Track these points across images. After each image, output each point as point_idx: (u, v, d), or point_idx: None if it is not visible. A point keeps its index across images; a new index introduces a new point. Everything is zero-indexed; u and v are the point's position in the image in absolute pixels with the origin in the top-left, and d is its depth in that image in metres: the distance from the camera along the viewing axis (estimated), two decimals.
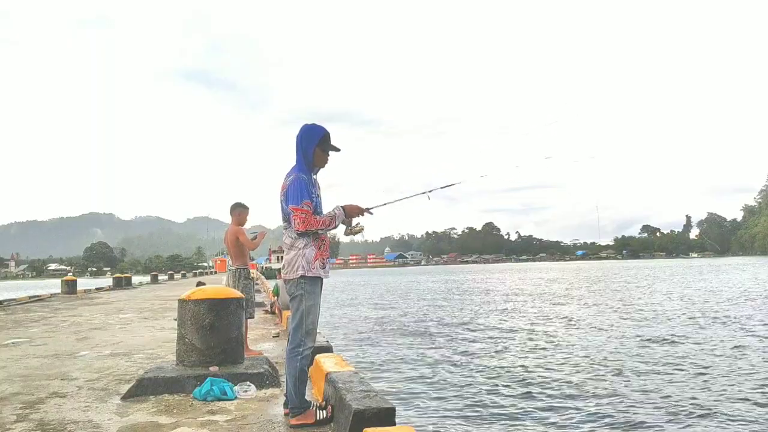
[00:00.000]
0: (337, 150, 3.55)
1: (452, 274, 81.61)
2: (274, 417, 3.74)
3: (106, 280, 40.73)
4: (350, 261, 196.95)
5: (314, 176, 3.56)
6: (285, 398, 3.65)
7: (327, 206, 3.64)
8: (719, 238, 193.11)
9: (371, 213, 3.59)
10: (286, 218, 3.47)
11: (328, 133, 3.50)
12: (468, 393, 8.68)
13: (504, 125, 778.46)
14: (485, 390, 8.83)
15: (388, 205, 3.89)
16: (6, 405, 4.22)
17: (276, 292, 10.70)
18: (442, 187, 4.22)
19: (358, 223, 3.61)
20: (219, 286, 5.60)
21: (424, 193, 4.05)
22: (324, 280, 3.58)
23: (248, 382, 4.42)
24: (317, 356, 4.63)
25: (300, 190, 3.37)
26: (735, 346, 12.14)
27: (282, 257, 3.78)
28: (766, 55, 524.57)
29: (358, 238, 3.68)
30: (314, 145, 3.46)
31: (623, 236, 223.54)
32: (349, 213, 3.51)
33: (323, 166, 3.58)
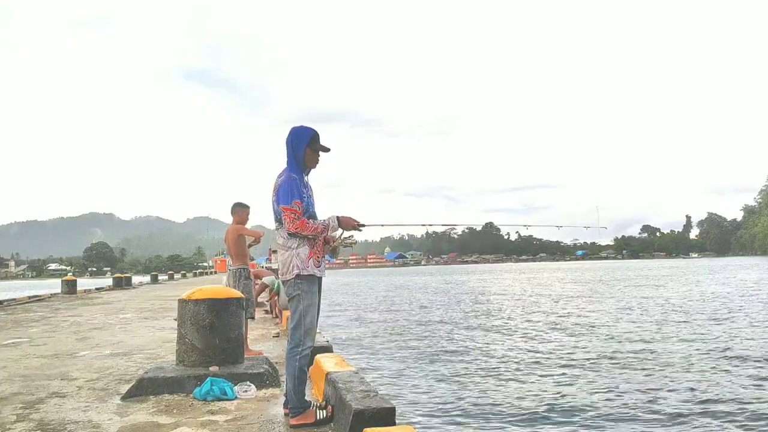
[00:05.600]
0: (327, 150, 3.58)
1: (452, 274, 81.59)
2: (274, 417, 3.74)
3: (106, 280, 40.73)
4: (350, 261, 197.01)
5: (306, 177, 3.58)
6: (285, 398, 3.66)
7: (322, 207, 3.67)
8: (719, 238, 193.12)
9: (361, 230, 3.62)
10: (278, 218, 3.50)
11: (318, 134, 3.54)
12: (468, 393, 8.67)
13: (505, 124, 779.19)
14: (486, 390, 8.82)
15: (385, 226, 4.01)
16: (6, 405, 4.23)
17: (276, 291, 10.70)
18: (443, 224, 4.65)
19: (351, 236, 3.64)
20: (219, 286, 5.61)
21: (423, 225, 4.44)
22: (323, 279, 3.60)
23: (248, 382, 4.42)
24: (317, 356, 4.63)
25: (290, 190, 3.41)
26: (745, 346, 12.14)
27: None
28: (766, 55, 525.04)
29: (347, 250, 3.71)
30: (305, 146, 3.50)
31: (623, 236, 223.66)
32: (343, 225, 3.54)
33: (314, 167, 3.61)
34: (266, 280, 11.02)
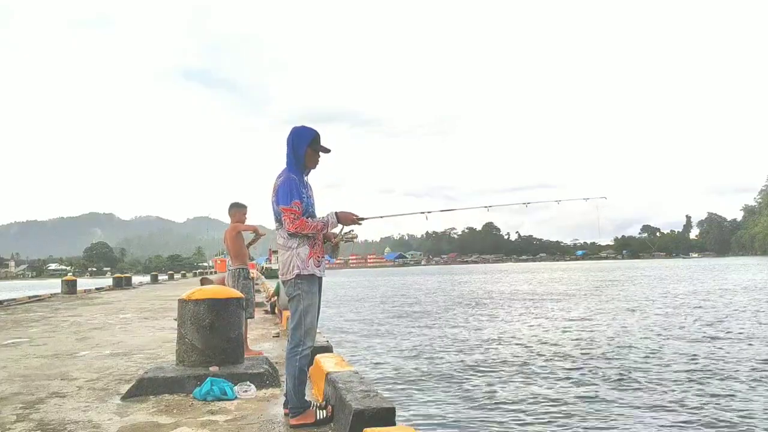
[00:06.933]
0: (328, 151, 3.58)
1: (453, 274, 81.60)
2: (274, 417, 3.74)
3: (106, 280, 40.73)
4: (350, 261, 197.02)
5: (306, 178, 3.58)
6: (285, 398, 3.66)
7: (323, 207, 3.67)
8: (719, 238, 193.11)
9: (360, 223, 3.61)
10: (278, 219, 3.50)
11: (319, 135, 3.54)
12: (468, 393, 8.67)
13: (505, 124, 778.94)
14: (486, 390, 8.82)
15: (385, 218, 3.99)
16: (6, 405, 4.23)
17: (277, 291, 10.71)
18: (441, 210, 4.55)
19: (351, 230, 3.63)
20: (219, 286, 5.61)
21: (422, 213, 4.32)
22: (323, 279, 3.60)
23: (248, 382, 4.42)
24: (317, 356, 4.63)
25: (290, 190, 3.40)
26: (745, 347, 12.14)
27: None
28: (766, 55, 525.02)
29: (347, 249, 3.70)
30: (306, 146, 3.50)
31: (623, 236, 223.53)
32: (342, 220, 3.53)
33: (314, 167, 3.61)
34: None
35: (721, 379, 9.14)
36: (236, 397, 4.22)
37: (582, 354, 11.73)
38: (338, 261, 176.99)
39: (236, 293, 5.12)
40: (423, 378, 9.85)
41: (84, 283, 35.36)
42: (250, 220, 6.68)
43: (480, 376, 9.84)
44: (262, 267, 62.52)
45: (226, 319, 4.78)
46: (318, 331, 4.12)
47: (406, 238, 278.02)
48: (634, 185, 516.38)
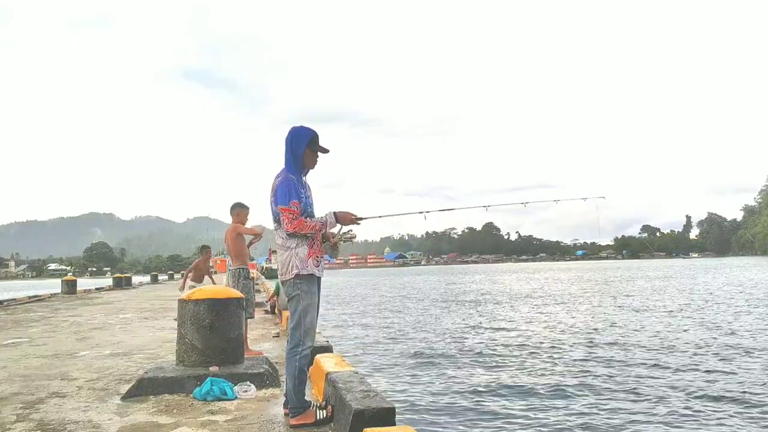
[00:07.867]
0: (326, 151, 3.59)
1: (452, 274, 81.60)
2: (274, 417, 3.74)
3: (106, 280, 40.76)
4: (350, 261, 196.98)
5: (304, 177, 3.59)
6: (285, 398, 3.66)
7: (322, 207, 3.67)
8: (719, 238, 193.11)
9: (359, 223, 3.61)
10: (276, 219, 3.50)
11: (317, 135, 3.55)
12: (468, 393, 8.67)
13: (505, 124, 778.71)
14: (486, 390, 8.82)
15: (384, 218, 3.99)
16: (6, 405, 4.23)
17: (277, 291, 10.71)
18: (440, 210, 4.60)
19: (350, 230, 3.63)
20: (219, 286, 5.61)
21: (421, 212, 4.30)
22: (322, 279, 3.60)
23: (248, 382, 4.42)
24: (317, 356, 4.63)
25: (288, 191, 3.41)
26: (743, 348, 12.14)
27: None
28: (766, 55, 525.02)
29: (347, 249, 3.70)
30: (304, 145, 3.50)
31: (623, 236, 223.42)
32: (341, 220, 3.54)
33: (313, 167, 3.62)
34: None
35: (723, 374, 9.15)
36: (236, 397, 4.22)
37: (584, 353, 11.72)
38: (338, 261, 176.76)
39: (236, 293, 5.12)
40: (423, 378, 9.85)
41: (84, 283, 35.36)
42: (250, 220, 6.69)
43: (481, 376, 9.84)
44: (262, 267, 62.44)
45: (226, 319, 4.79)
46: (318, 331, 4.13)
47: (406, 238, 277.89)
48: (634, 185, 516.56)
